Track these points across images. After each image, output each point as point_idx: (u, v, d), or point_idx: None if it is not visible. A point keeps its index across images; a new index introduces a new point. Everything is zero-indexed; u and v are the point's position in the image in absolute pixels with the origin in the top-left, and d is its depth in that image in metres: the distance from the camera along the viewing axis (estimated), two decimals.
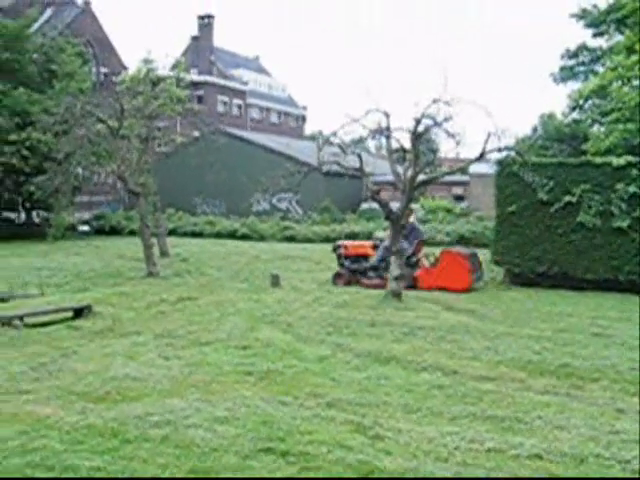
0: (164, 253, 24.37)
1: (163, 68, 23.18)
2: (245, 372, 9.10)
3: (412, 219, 17.66)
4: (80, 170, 33.55)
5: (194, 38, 74.81)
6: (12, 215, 38.14)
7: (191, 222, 38.34)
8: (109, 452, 6.23)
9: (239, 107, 76.05)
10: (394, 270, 15.01)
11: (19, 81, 35.91)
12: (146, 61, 21.30)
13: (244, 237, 34.58)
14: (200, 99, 67.38)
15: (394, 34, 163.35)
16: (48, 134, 31.88)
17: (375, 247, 18.40)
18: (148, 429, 6.80)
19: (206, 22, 73.72)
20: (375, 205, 29.82)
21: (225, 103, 73.42)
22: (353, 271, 18.22)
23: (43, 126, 28.49)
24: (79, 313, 13.23)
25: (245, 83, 77.51)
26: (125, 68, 60.13)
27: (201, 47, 72.99)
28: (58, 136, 27.11)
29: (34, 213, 37.89)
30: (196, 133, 38.84)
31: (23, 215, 37.82)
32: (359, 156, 15.50)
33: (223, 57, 78.14)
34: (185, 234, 36.28)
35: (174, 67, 23.29)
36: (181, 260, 23.85)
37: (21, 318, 12.28)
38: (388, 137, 15.30)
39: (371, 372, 9.25)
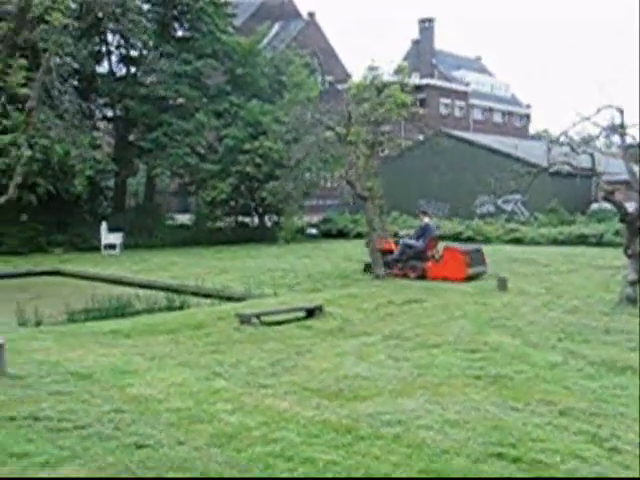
0: None
1: (387, 74, 23.52)
2: (474, 376, 9.05)
3: (426, 220, 21.44)
4: (308, 175, 34.96)
5: (415, 42, 75.21)
6: (246, 219, 40.39)
7: (416, 225, 38.45)
8: (343, 447, 6.46)
9: (461, 109, 75.45)
10: (630, 274, 14.24)
11: (252, 93, 38.10)
12: (371, 68, 21.75)
13: (469, 239, 34.20)
14: (422, 102, 67.57)
15: (628, 23, 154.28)
16: (279, 142, 33.67)
17: (396, 243, 21.43)
18: (380, 427, 6.97)
19: (427, 25, 73.85)
20: (607, 206, 28.40)
21: (447, 105, 73.14)
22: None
23: (275, 135, 30.05)
24: (311, 313, 13.80)
25: (467, 84, 76.77)
26: (349, 76, 61.73)
27: (422, 50, 73.21)
28: (288, 144, 28.44)
29: (266, 217, 39.88)
30: (418, 136, 39.08)
31: (256, 219, 39.95)
32: (591, 155, 14.89)
33: (444, 59, 77.93)
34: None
35: (398, 72, 23.55)
36: None
37: (258, 317, 13.04)
38: (622, 134, 14.56)
39: (606, 381, 8.84)
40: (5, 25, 6.42)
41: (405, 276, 20.18)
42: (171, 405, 7.72)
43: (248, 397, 8.09)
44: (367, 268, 21.21)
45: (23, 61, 6.32)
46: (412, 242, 20.83)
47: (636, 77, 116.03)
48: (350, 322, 13.31)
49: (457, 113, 74.68)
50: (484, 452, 6.33)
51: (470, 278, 19.61)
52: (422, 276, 19.99)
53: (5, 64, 6.17)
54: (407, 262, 20.46)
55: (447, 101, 73.14)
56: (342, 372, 9.20)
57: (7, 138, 25.95)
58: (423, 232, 20.96)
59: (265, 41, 44.87)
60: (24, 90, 6.77)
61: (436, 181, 35.04)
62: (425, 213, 22.54)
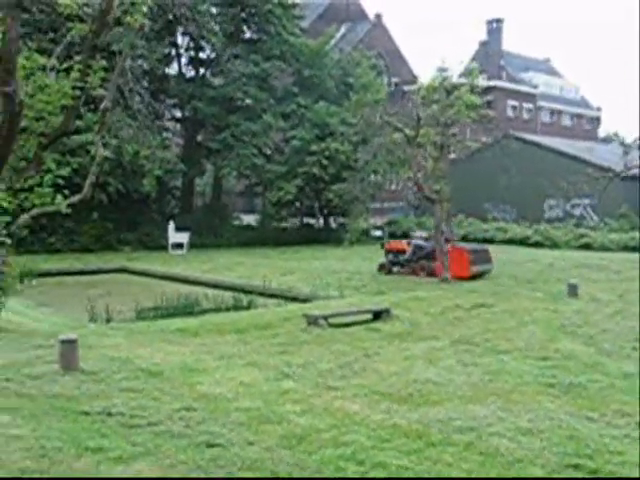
0: None
1: (456, 76, 23.30)
2: (546, 384, 8.86)
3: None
4: (373, 177, 34.86)
5: (482, 43, 74.30)
6: (311, 220, 40.49)
7: (481, 228, 38.06)
8: (414, 453, 6.37)
9: (529, 111, 74.19)
10: None
11: (319, 95, 38.20)
12: (441, 69, 21.55)
13: (536, 244, 33.63)
14: (489, 104, 66.73)
15: None
16: (346, 144, 33.67)
17: (409, 244, 23.24)
18: (451, 434, 6.86)
19: (495, 26, 72.87)
20: None
21: (515, 107, 72.01)
22: (393, 263, 22.83)
23: (342, 137, 30.03)
24: (378, 316, 13.72)
25: (535, 86, 75.47)
26: (415, 77, 61.35)
27: (490, 52, 72.25)
28: (356, 145, 28.40)
29: (331, 219, 39.90)
30: (484, 138, 38.55)
31: (321, 220, 40.01)
32: None
33: (512, 61, 76.74)
34: (475, 240, 36.08)
35: (467, 74, 23.27)
36: None
37: (326, 318, 13.02)
38: None
39: None
40: (86, 27, 6.52)
41: (415, 274, 21.77)
42: (240, 405, 7.74)
43: (317, 399, 8.07)
44: (381, 268, 22.99)
45: (102, 62, 6.41)
46: (422, 243, 22.65)
47: None
48: (418, 325, 13.19)
49: (524, 115, 73.44)
50: (560, 463, 6.17)
51: (475, 276, 20.66)
52: (431, 274, 21.17)
53: (86, 65, 6.26)
54: (417, 262, 22.18)
55: (514, 103, 72.01)
56: (411, 376, 9.11)
57: (81, 138, 26.52)
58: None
59: (332, 43, 44.90)
60: (99, 91, 6.87)
61: (503, 184, 34.48)
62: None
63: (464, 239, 34.47)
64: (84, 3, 6.27)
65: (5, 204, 5.64)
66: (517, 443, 6.61)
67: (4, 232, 5.68)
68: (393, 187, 46.67)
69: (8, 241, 5.74)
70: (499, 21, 72.93)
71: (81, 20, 6.71)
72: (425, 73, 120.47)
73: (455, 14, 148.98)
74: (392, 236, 39.37)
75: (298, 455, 6.24)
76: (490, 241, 35.66)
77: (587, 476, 5.96)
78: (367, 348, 11.01)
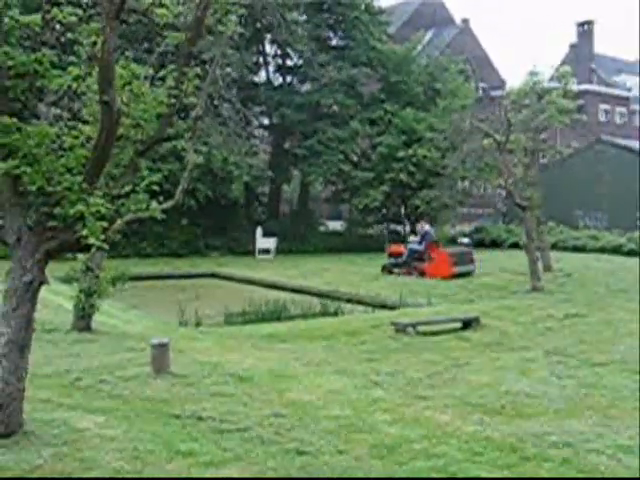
0: (547, 267, 23.88)
1: (547, 80, 22.80)
2: None
3: (427, 227, 25.61)
4: (460, 183, 34.44)
5: (573, 46, 72.56)
6: (398, 227, 40.24)
7: (572, 236, 37.03)
8: (508, 467, 6.19)
9: (622, 115, 72.01)
10: None
11: (406, 101, 37.98)
12: (532, 73, 21.10)
13: (630, 253, 32.48)
14: (580, 108, 65.09)
15: None
16: (433, 150, 33.37)
17: (405, 248, 25.48)
18: (547, 449, 6.64)
19: (585, 29, 71.07)
20: None
21: (607, 111, 70.03)
22: (393, 265, 24.69)
23: (430, 143, 29.78)
24: (467, 324, 13.49)
25: (628, 89, 73.19)
26: (503, 82, 60.42)
27: (580, 55, 70.49)
28: (445, 151, 28.11)
29: (418, 225, 39.57)
30: (575, 144, 37.62)
31: (408, 227, 39.73)
32: None
33: (604, 63, 74.63)
34: (566, 248, 35.15)
35: (559, 78, 22.73)
36: (565, 275, 23.13)
37: (414, 326, 12.88)
38: None
39: None
40: (181, 36, 6.61)
41: (410, 274, 23.73)
42: (330, 412, 7.70)
43: (407, 408, 7.96)
44: (383, 269, 24.84)
45: (197, 70, 6.48)
46: (416, 247, 24.62)
47: None
48: (508, 335, 12.91)
49: (617, 120, 71.31)
50: None
51: (456, 275, 22.63)
52: (422, 274, 23.51)
53: (181, 73, 6.34)
54: (411, 263, 24.19)
55: (606, 107, 70.01)
56: (503, 387, 8.89)
57: (171, 145, 27.07)
58: (423, 237, 24.88)
59: (418, 48, 44.62)
60: (191, 99, 6.95)
61: (595, 190, 33.61)
62: (425, 221, 27.64)
63: (554, 247, 33.63)
64: (179, 12, 6.35)
65: (103, 210, 5.73)
66: (617, 461, 6.34)
67: (102, 237, 5.77)
68: (480, 193, 45.94)
69: (106, 246, 5.83)
70: (590, 23, 71.09)
71: (176, 29, 6.80)
72: (513, 78, 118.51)
73: (543, 17, 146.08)
74: (480, 244, 38.84)
75: (389, 466, 6.15)
76: (581, 249, 34.66)
77: None
78: (457, 357, 10.84)
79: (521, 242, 22.54)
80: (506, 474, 6.03)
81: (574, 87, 26.20)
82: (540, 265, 21.09)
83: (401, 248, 25.96)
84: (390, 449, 6.55)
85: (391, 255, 25.98)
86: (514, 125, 19.80)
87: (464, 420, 7.54)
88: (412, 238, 27.83)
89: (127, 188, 6.45)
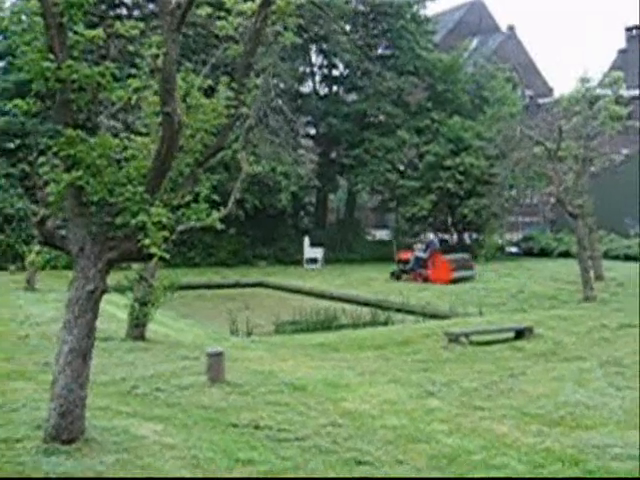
0: (599, 277, 23.53)
1: (598, 86, 22.48)
2: None
3: (431, 236, 29.73)
4: (507, 192, 34.07)
5: (621, 51, 71.39)
6: (445, 236, 39.96)
7: (623, 244, 36.35)
8: None
9: None
10: None
11: (453, 110, 37.79)
12: (583, 80, 20.81)
13: None
14: (629, 115, 64.05)
15: None
16: (481, 158, 33.12)
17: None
18: (609, 461, 6.52)
19: (634, 33, 69.86)
20: None
21: None
22: (402, 270, 26.45)
23: (483, 151, 29.55)
24: (520, 334, 13.33)
25: None
26: (550, 89, 59.75)
27: (630, 60, 69.30)
28: (495, 159, 27.88)
29: (465, 234, 39.28)
30: (624, 150, 36.98)
31: (455, 236, 39.43)
32: None
33: None
34: (617, 257, 34.51)
35: (610, 84, 22.38)
36: (617, 284, 22.75)
37: (467, 336, 12.77)
38: None
39: None
40: (239, 47, 6.67)
41: (415, 280, 25.39)
42: (386, 422, 7.67)
43: (464, 418, 7.89)
44: (392, 275, 26.51)
45: (256, 81, 6.54)
46: (421, 254, 26.47)
47: None
48: (562, 345, 12.72)
49: None
50: None
51: (456, 280, 24.24)
52: (425, 280, 25.19)
53: (240, 84, 6.40)
54: (417, 269, 25.96)
55: None
56: (561, 398, 8.76)
57: (219, 155, 27.32)
58: (427, 246, 27.36)
59: (464, 56, 44.36)
60: (243, 109, 7.00)
61: None
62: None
63: (605, 255, 33.07)
64: (238, 24, 6.42)
65: (165, 220, 5.80)
66: None
67: (163, 247, 5.84)
68: (527, 201, 45.41)
69: (167, 256, 5.89)
70: (639, 28, 69.90)
71: (233, 41, 6.87)
72: (560, 85, 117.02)
73: (589, 23, 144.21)
74: (529, 253, 38.41)
75: (449, 477, 6.09)
76: (633, 258, 34.00)
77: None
78: (512, 368, 10.70)
79: (572, 251, 22.23)
80: None
81: (625, 93, 25.81)
82: (592, 274, 20.79)
83: (408, 255, 27.45)
84: (449, 460, 6.50)
85: (400, 261, 27.37)
86: (565, 132, 19.56)
87: (523, 431, 7.44)
88: (418, 245, 29.43)
89: (187, 198, 6.51)
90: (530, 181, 30.98)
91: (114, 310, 14.54)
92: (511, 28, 67.45)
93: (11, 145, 29.79)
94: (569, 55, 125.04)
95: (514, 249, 39.78)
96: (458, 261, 26.56)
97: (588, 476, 5.87)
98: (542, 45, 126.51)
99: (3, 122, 28.84)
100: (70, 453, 6.02)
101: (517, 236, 41.81)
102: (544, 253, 37.26)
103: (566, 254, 31.41)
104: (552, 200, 22.93)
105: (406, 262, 26.80)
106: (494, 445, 6.96)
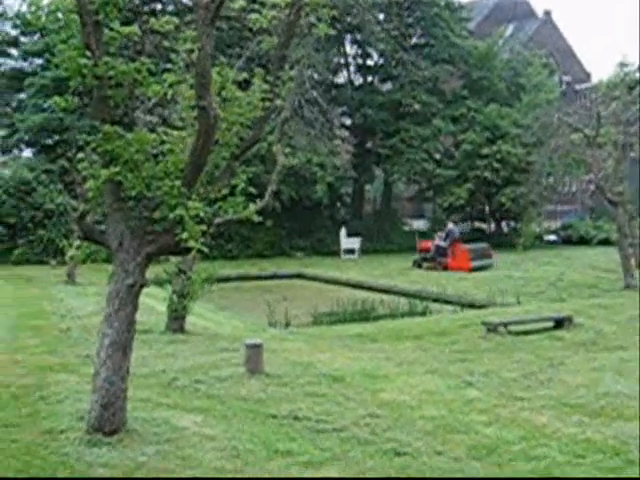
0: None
1: (638, 70, 22.09)
2: None
3: (450, 225, 28.13)
4: (548, 180, 33.68)
5: None
6: (483, 225, 39.69)
7: None
8: (612, 471, 6.05)
9: None
10: None
11: (489, 97, 37.45)
12: (622, 64, 20.46)
13: None
14: None
15: None
16: (518, 146, 32.80)
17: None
18: None
19: None
20: None
21: None
22: (423, 259, 27.22)
23: (520, 139, 29.24)
24: (560, 323, 13.20)
25: None
26: (588, 75, 58.89)
27: None
28: (532, 147, 27.55)
29: (503, 223, 38.96)
30: None
31: (493, 225, 39.13)
32: None
33: None
34: None
35: None
36: None
37: (505, 325, 12.68)
38: None
39: None
40: (274, 40, 6.69)
41: (435, 269, 25.93)
42: (425, 413, 7.66)
43: (503, 409, 7.85)
44: (414, 263, 27.34)
45: (292, 73, 6.56)
46: (441, 243, 26.90)
47: None
48: (603, 335, 12.56)
49: None
50: None
51: (475, 269, 24.98)
52: (445, 268, 25.85)
53: (275, 77, 6.41)
54: (437, 258, 26.50)
55: None
56: (601, 389, 8.66)
57: (253, 149, 27.39)
58: (447, 235, 27.29)
59: (500, 43, 43.89)
60: (278, 101, 7.01)
61: None
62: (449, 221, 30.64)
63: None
64: (273, 17, 6.42)
65: (202, 213, 5.85)
66: None
67: (201, 240, 5.89)
68: (566, 189, 44.87)
69: (205, 249, 5.94)
70: None
71: (267, 33, 6.88)
72: (598, 70, 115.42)
73: (627, 6, 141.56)
74: (568, 241, 38.00)
75: (488, 467, 6.08)
76: None
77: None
78: (551, 357, 10.61)
79: (612, 238, 21.94)
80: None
81: None
82: (633, 262, 20.49)
83: (429, 244, 28.03)
84: (488, 450, 6.48)
85: (421, 251, 28.16)
86: (604, 118, 19.27)
87: (563, 421, 7.39)
88: (439, 233, 29.42)
89: (224, 191, 6.56)
90: (568, 168, 30.59)
91: (153, 303, 14.68)
92: (547, 13, 66.56)
93: (50, 141, 30.27)
94: (607, 39, 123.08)
95: (552, 237, 39.37)
96: (477, 250, 27.30)
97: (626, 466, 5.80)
98: (579, 30, 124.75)
99: (42, 119, 29.28)
100: (112, 444, 6.12)
101: (555, 224, 41.37)
102: (583, 241, 36.82)
103: (605, 242, 30.98)
104: (591, 187, 22.54)
105: (427, 251, 27.55)
106: (534, 435, 6.92)
